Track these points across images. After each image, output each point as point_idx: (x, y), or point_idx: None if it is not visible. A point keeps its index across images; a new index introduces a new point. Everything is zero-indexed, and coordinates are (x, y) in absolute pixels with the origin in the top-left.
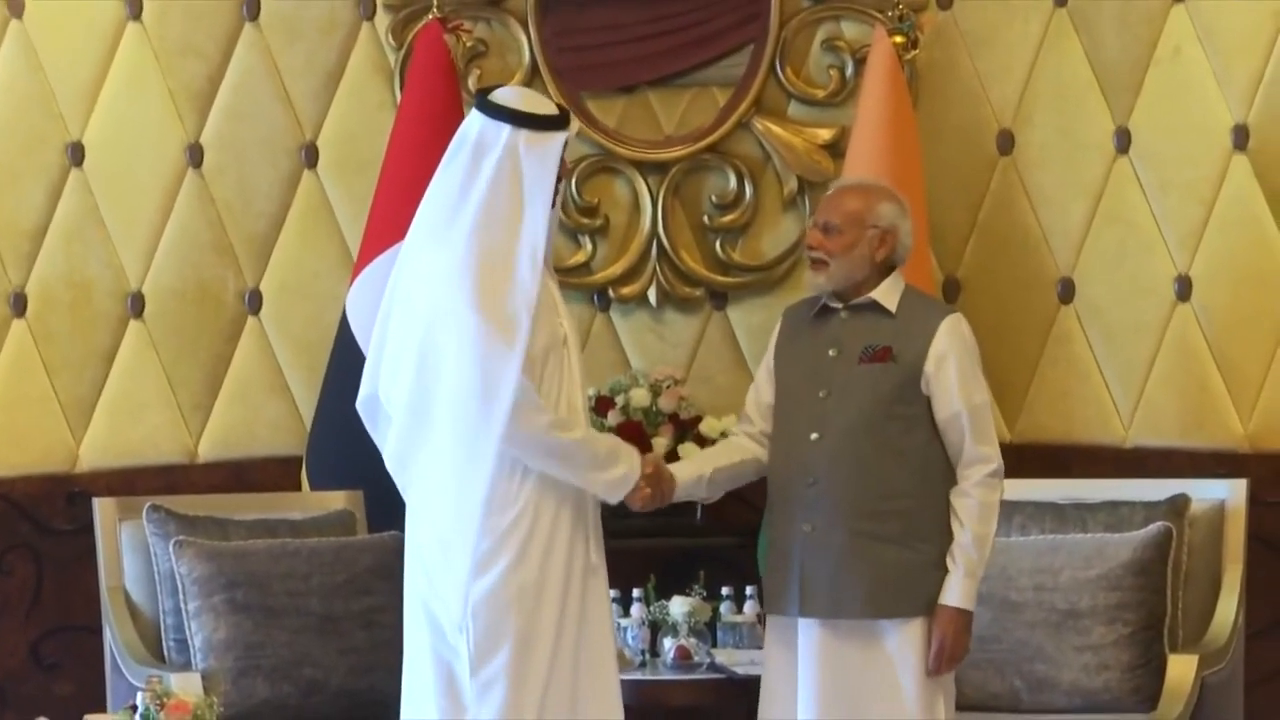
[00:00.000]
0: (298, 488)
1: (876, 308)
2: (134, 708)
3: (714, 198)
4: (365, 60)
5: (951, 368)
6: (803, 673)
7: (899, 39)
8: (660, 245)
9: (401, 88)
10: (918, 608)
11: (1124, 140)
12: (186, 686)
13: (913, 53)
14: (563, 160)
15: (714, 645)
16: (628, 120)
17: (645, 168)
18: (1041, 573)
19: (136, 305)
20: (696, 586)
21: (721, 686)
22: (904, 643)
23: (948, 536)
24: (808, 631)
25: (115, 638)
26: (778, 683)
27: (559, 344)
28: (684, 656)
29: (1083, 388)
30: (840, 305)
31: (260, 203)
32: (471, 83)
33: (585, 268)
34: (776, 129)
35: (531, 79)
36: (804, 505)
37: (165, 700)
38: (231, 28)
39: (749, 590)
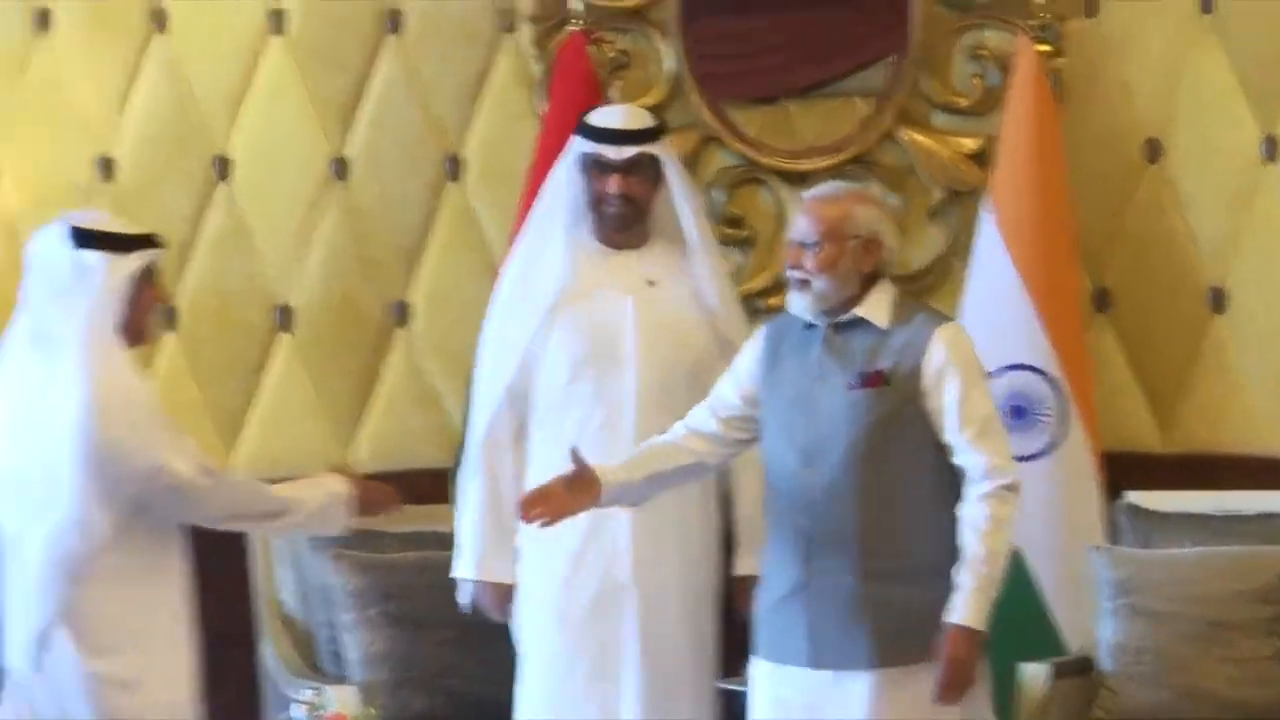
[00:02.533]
0: (448, 500)
1: (865, 324)
2: None
3: None
4: (507, 71)
5: (952, 382)
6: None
7: (1043, 46)
8: None
9: (545, 98)
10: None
11: (1272, 148)
12: (344, 699)
13: (1057, 60)
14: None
15: None
16: (767, 130)
17: (789, 178)
18: (1196, 584)
19: (284, 318)
20: None
21: None
22: (921, 692)
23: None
24: (812, 682)
25: (271, 650)
26: None
27: None
28: None
29: (1234, 398)
30: (826, 323)
31: (405, 214)
32: (614, 93)
33: (734, 277)
34: (921, 139)
35: (673, 89)
36: (804, 545)
37: (322, 713)
38: (374, 40)
39: None
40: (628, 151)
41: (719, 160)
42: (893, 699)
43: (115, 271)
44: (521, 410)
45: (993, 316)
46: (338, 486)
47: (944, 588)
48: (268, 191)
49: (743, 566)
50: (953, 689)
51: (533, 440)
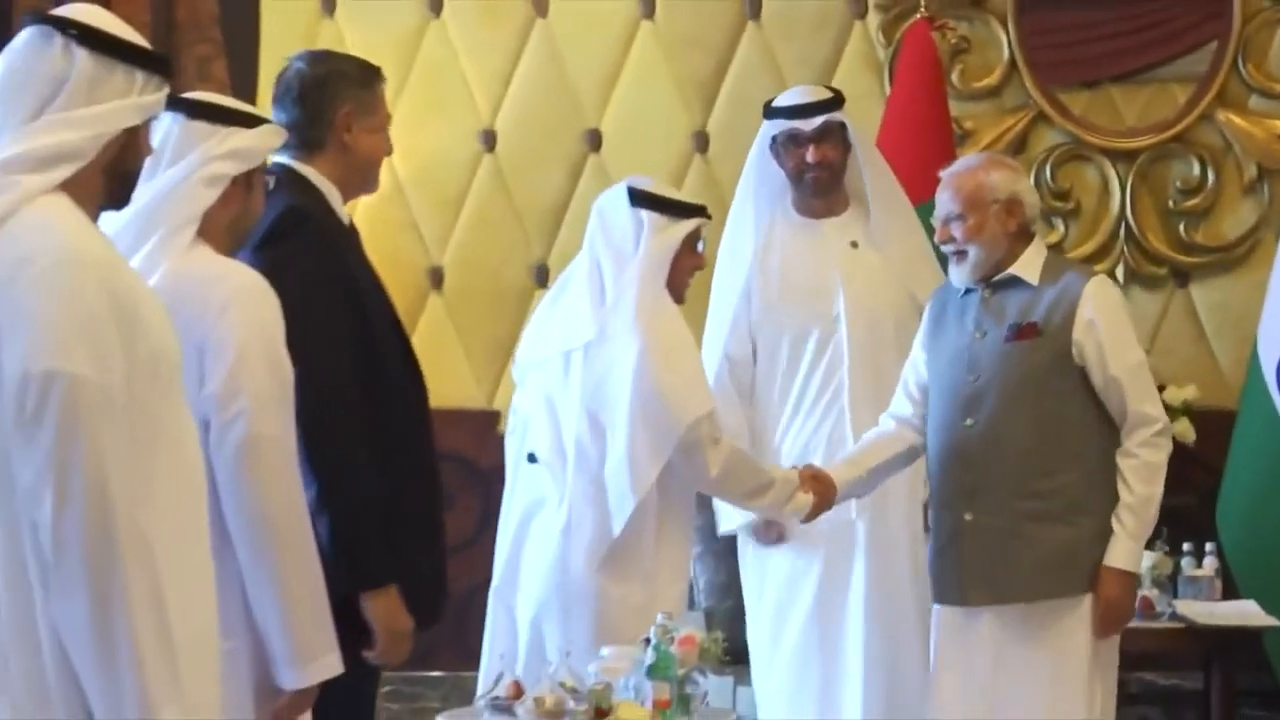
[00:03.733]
0: None
1: (1018, 282)
2: (648, 640)
3: (1178, 183)
4: (856, 55)
5: (1101, 333)
6: (971, 663)
7: None
8: (1128, 227)
9: (891, 81)
10: (1082, 585)
11: None
12: (691, 626)
13: None
14: None
15: (1175, 597)
16: (1093, 111)
17: (1113, 155)
18: None
19: None
20: (1159, 542)
21: (1181, 634)
22: (1072, 621)
23: (1110, 506)
24: (973, 621)
25: None
26: (945, 673)
27: None
28: (1147, 607)
29: None
30: (983, 286)
31: None
32: (954, 77)
33: (1058, 247)
34: (1238, 120)
35: (1008, 73)
36: (963, 493)
37: (674, 635)
38: (736, 25)
39: (1208, 547)
40: (817, 120)
41: (1048, 139)
42: (1047, 628)
43: (666, 232)
44: (745, 374)
45: None
46: (799, 493)
47: (1090, 525)
48: (635, 162)
49: None
50: (1109, 624)
51: (761, 400)
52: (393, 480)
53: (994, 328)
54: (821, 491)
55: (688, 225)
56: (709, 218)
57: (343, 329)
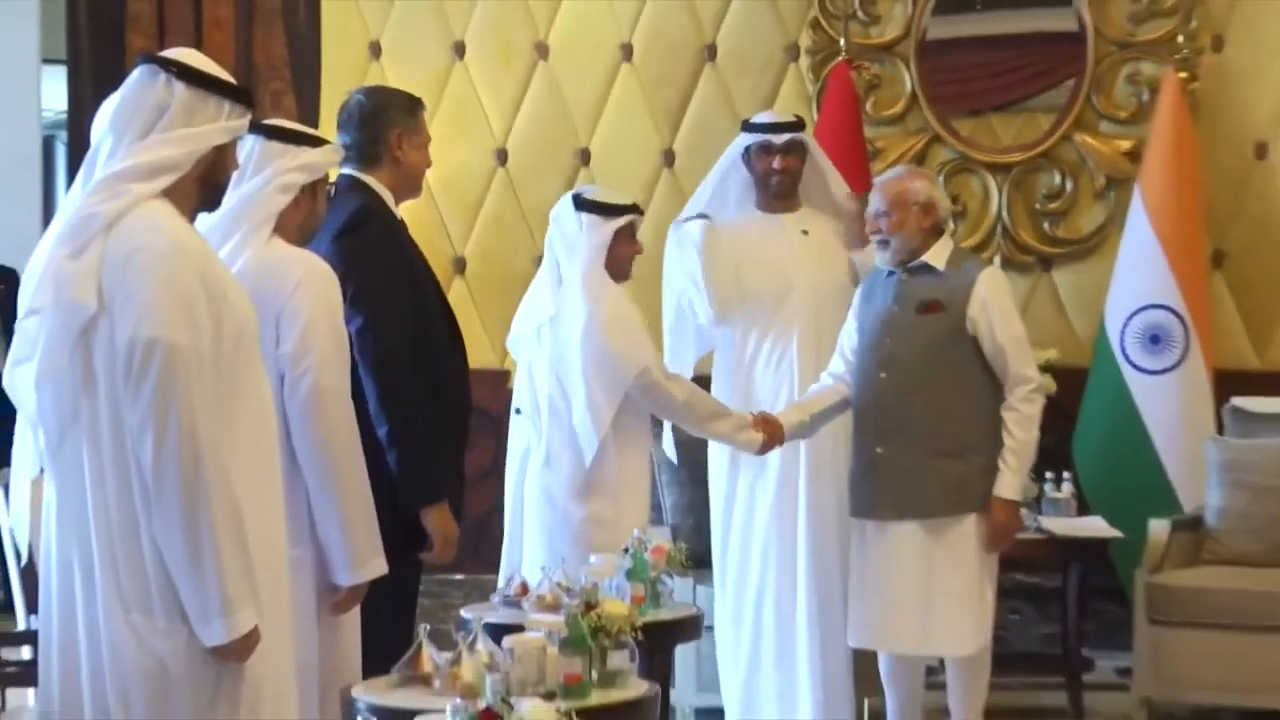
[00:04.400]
0: None
1: (928, 268)
2: (627, 550)
3: (1044, 191)
4: (791, 89)
5: (992, 310)
6: (883, 562)
7: (1183, 74)
8: (1004, 225)
9: (818, 110)
10: (973, 506)
11: None
12: (661, 538)
13: (1194, 84)
14: None
15: (1040, 514)
16: (975, 134)
17: (992, 169)
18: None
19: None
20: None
21: (1044, 544)
22: (962, 534)
23: (995, 446)
24: (885, 530)
25: None
26: (861, 571)
27: None
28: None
29: None
30: (901, 270)
31: None
32: (869, 107)
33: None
34: (1091, 140)
35: (911, 104)
36: (877, 432)
37: (648, 545)
38: (696, 66)
39: (1066, 475)
40: (785, 136)
41: (941, 155)
42: (942, 538)
43: (600, 229)
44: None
45: (1138, 269)
46: (752, 431)
47: (979, 461)
48: (616, 175)
49: None
50: (998, 541)
51: (726, 351)
52: (440, 421)
53: (907, 303)
54: (771, 432)
55: (619, 221)
56: (640, 213)
57: (404, 301)
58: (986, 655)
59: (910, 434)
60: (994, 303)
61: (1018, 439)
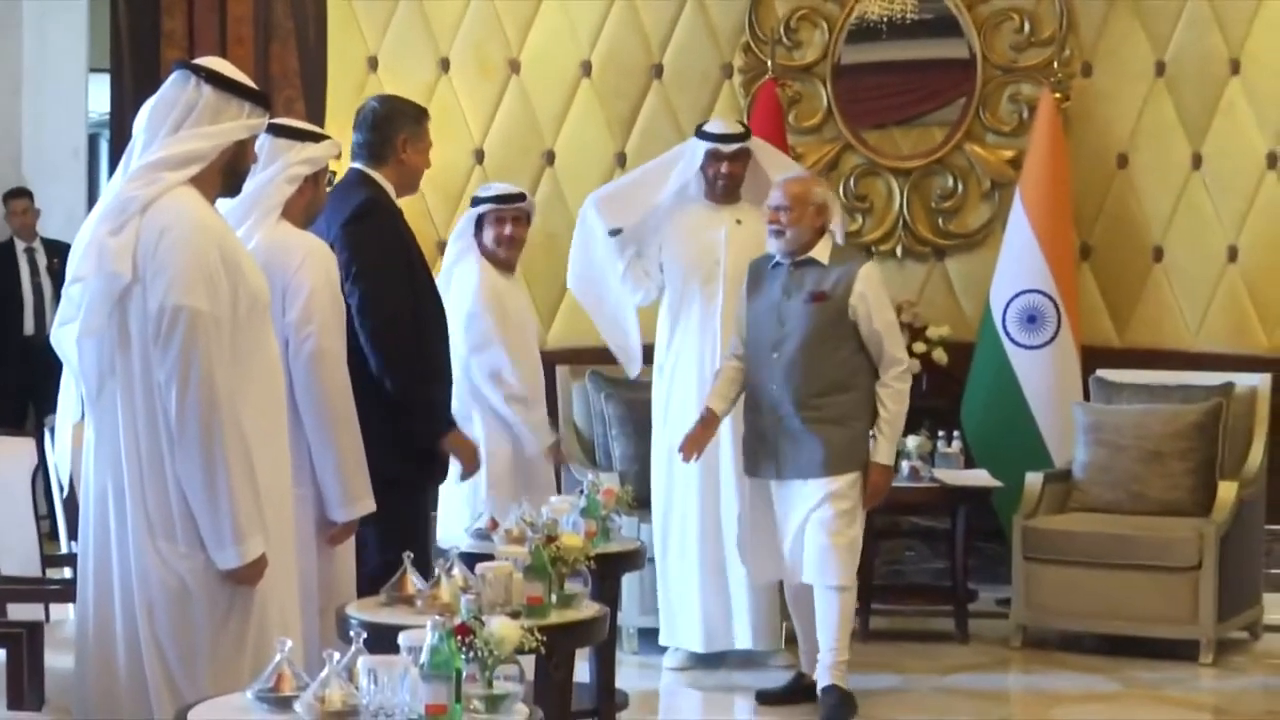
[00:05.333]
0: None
1: (814, 262)
2: (582, 491)
3: (939, 192)
4: (725, 102)
5: (869, 300)
6: (786, 512)
7: (1057, 95)
8: (904, 220)
9: (748, 120)
10: (856, 465)
11: (1198, 161)
12: (610, 481)
13: (1066, 104)
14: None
15: (933, 466)
16: (881, 143)
17: (895, 173)
18: (1140, 427)
19: None
20: (923, 429)
21: (936, 492)
22: (844, 487)
23: (872, 415)
24: (779, 488)
25: (568, 451)
26: (761, 520)
27: None
28: (915, 474)
29: (1164, 315)
30: (789, 261)
31: None
32: (791, 118)
33: (857, 234)
34: (979, 150)
35: (827, 117)
36: (771, 401)
37: (600, 488)
38: (645, 82)
39: (955, 433)
40: (734, 146)
41: (852, 161)
42: (830, 493)
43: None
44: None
45: (1017, 259)
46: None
47: (859, 427)
48: (577, 174)
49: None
50: (874, 498)
51: (668, 316)
52: (432, 372)
53: (796, 292)
54: (712, 428)
55: (474, 212)
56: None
57: (402, 278)
58: (850, 593)
59: (800, 405)
60: (871, 294)
61: (892, 411)
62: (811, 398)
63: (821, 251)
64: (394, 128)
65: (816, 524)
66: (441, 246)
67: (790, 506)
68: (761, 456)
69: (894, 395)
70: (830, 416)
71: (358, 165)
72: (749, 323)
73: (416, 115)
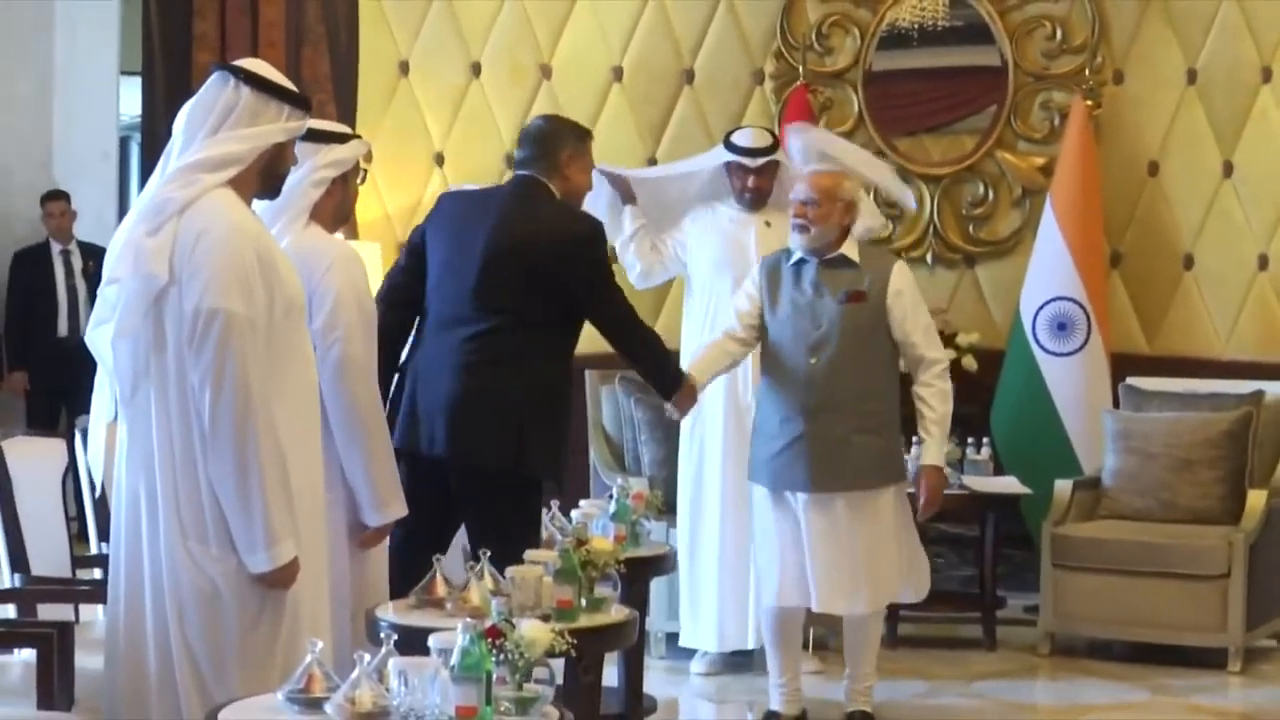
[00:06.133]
0: None
1: (846, 260)
2: (611, 496)
3: (969, 199)
4: (756, 109)
5: (906, 300)
6: (818, 528)
7: (1088, 102)
8: (935, 227)
9: (779, 127)
10: (896, 477)
11: (1229, 169)
12: (640, 487)
13: (1097, 111)
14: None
15: (962, 473)
16: (912, 150)
17: (926, 179)
18: (1170, 435)
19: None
20: (953, 437)
21: (966, 499)
22: (884, 503)
23: (901, 423)
24: (815, 501)
25: (597, 455)
26: (785, 536)
27: None
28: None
29: (1194, 323)
30: (815, 259)
31: None
32: (822, 125)
33: (887, 240)
34: (1010, 157)
35: (859, 123)
36: (807, 412)
37: (629, 492)
38: (676, 88)
39: (985, 440)
40: (759, 161)
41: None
42: (865, 510)
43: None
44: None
45: (1048, 266)
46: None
47: (894, 436)
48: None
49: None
50: (931, 505)
51: (695, 314)
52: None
53: (829, 292)
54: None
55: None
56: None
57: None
58: (881, 614)
59: (837, 412)
60: (908, 293)
61: (939, 411)
62: (856, 403)
63: (851, 249)
64: (558, 144)
65: (868, 541)
66: None
67: (827, 523)
68: (792, 467)
69: (939, 395)
70: (868, 425)
71: (531, 173)
72: (772, 325)
73: (580, 135)
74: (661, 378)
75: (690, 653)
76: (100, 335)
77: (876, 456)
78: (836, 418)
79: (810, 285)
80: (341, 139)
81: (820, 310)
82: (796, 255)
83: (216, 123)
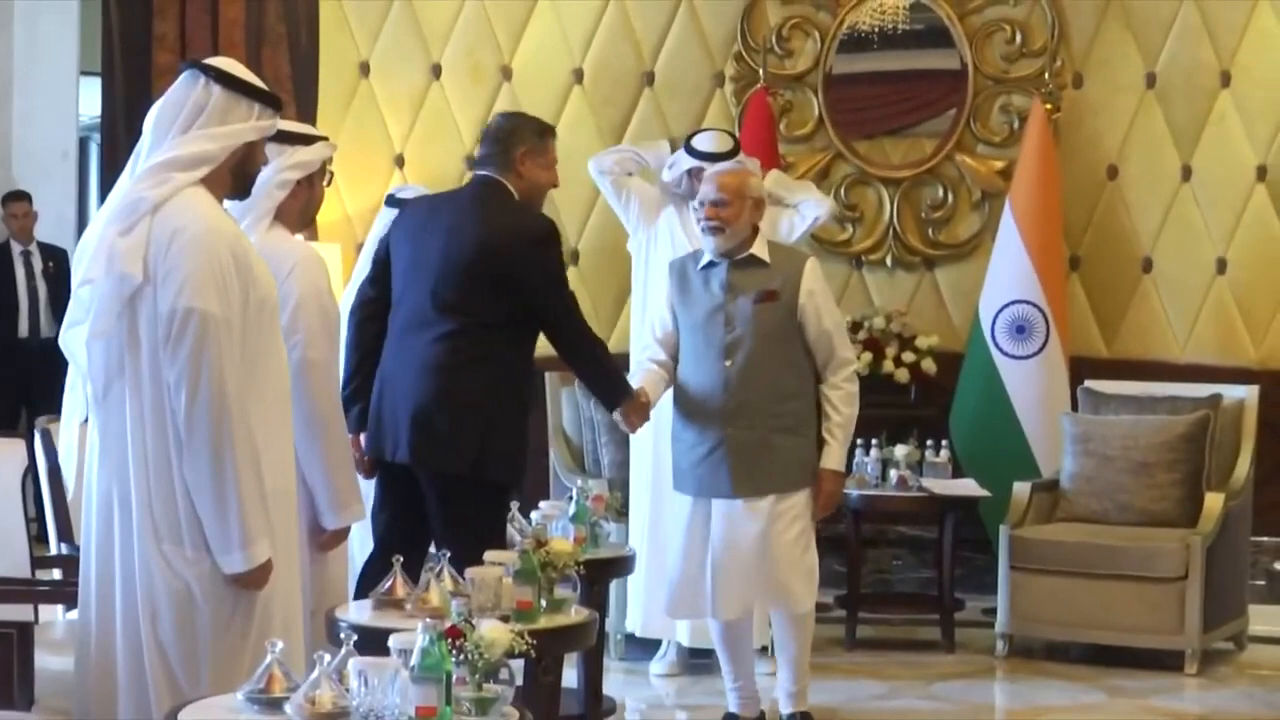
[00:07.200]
0: None
1: (756, 260)
2: (571, 498)
3: (929, 202)
4: (717, 111)
5: (818, 299)
6: (727, 536)
7: (1048, 105)
8: (894, 230)
9: (740, 128)
10: (809, 480)
11: (1187, 173)
12: (600, 489)
13: (1056, 114)
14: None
15: (921, 476)
16: (871, 153)
17: (885, 182)
18: (1128, 438)
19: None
20: (912, 439)
21: (924, 501)
22: (795, 502)
23: (817, 422)
24: (732, 506)
25: (557, 457)
26: (690, 554)
27: None
28: (903, 482)
29: (1151, 326)
30: (726, 260)
31: None
32: (782, 127)
33: (847, 243)
34: (969, 160)
35: (819, 126)
36: (724, 415)
37: (589, 494)
38: (636, 90)
39: (944, 443)
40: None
41: (843, 170)
42: (789, 510)
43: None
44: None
45: (1007, 269)
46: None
47: (810, 436)
48: (568, 180)
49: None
50: (827, 508)
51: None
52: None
53: (742, 293)
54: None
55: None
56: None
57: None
58: (813, 615)
59: (755, 415)
60: (819, 291)
61: (844, 414)
62: (771, 405)
63: (760, 249)
64: (513, 141)
65: (781, 545)
66: None
67: (739, 529)
68: (712, 474)
69: (845, 397)
70: (788, 425)
71: (488, 173)
72: (685, 329)
73: (540, 131)
74: (603, 387)
75: (649, 654)
76: (74, 337)
77: (796, 458)
78: (755, 420)
79: (721, 287)
80: (307, 140)
81: (733, 312)
82: (706, 258)
83: (187, 121)
